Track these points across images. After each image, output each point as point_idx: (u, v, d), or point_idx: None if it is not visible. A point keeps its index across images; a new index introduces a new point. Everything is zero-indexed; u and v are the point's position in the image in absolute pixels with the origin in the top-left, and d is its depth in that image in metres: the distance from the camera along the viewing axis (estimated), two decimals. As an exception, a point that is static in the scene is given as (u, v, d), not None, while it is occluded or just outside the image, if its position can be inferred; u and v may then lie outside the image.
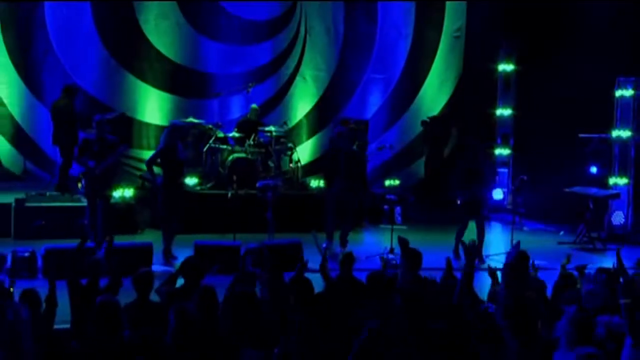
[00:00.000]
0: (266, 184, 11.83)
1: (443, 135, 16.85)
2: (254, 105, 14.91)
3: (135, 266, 9.46)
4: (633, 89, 14.05)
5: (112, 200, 12.57)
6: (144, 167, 15.52)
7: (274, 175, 13.63)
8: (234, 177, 12.14)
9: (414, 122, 17.21)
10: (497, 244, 13.06)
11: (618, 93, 14.12)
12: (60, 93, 13.84)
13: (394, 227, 13.92)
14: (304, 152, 16.63)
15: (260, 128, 14.47)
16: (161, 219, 11.97)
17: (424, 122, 16.87)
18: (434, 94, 17.39)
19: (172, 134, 11.84)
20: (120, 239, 11.57)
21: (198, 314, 6.53)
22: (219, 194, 13.04)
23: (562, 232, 14.21)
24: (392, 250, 11.72)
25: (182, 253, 10.76)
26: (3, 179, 15.01)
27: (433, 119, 16.91)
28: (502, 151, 16.55)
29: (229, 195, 11.90)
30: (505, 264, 7.96)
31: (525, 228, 15.01)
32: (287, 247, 10.87)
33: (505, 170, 16.62)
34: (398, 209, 13.20)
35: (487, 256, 11.93)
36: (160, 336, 6.35)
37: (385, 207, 13.33)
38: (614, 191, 13.78)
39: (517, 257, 8.03)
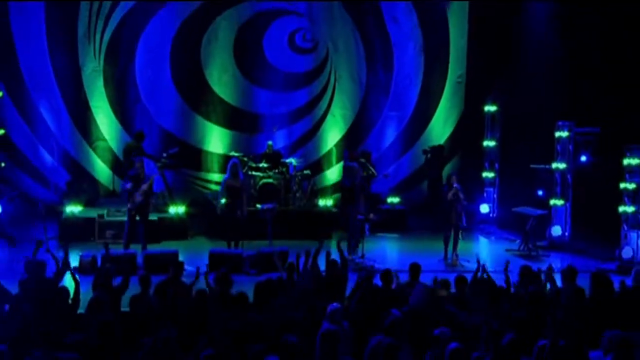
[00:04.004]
0: (266, 208, 14.25)
1: (441, 161, 18.73)
2: (269, 142, 17.32)
3: (165, 267, 11.95)
4: (568, 130, 15.78)
5: (168, 215, 15.45)
6: (209, 185, 18.48)
7: (280, 199, 15.96)
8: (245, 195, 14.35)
9: (422, 151, 19.13)
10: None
11: (557, 134, 15.86)
12: (133, 137, 16.41)
13: (391, 235, 16.43)
14: (333, 173, 18.96)
15: (283, 160, 16.85)
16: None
17: (424, 151, 18.81)
18: (440, 128, 19.29)
19: (232, 168, 14.20)
20: (172, 244, 14.53)
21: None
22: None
23: (518, 241, 15.91)
24: (362, 256, 13.92)
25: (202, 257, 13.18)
26: (107, 196, 17.53)
27: (433, 147, 18.81)
28: (488, 174, 18.49)
29: (238, 213, 14.16)
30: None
31: (492, 237, 16.93)
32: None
33: (492, 189, 18.52)
34: (367, 225, 14.83)
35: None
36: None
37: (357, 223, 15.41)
38: (544, 212, 15.57)
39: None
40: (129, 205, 13.61)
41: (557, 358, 7.35)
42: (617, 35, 15.21)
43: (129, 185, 13.40)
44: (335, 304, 8.20)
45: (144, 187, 13.46)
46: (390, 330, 7.53)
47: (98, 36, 17.79)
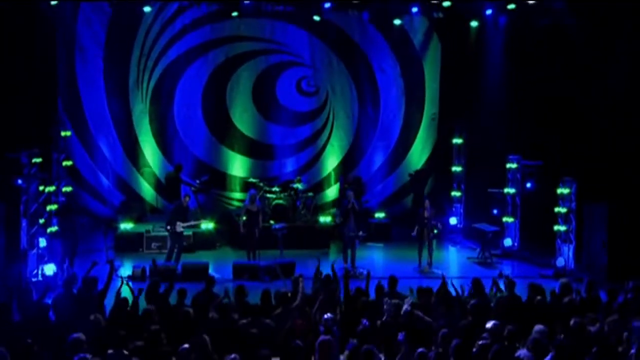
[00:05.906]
0: (278, 227, 15.73)
1: (422, 182, 19.96)
2: (298, 178, 18.90)
3: (198, 276, 12.88)
4: (517, 163, 17.29)
5: (199, 230, 16.65)
6: (232, 202, 19.69)
7: (289, 217, 17.42)
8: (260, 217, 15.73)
9: (404, 173, 20.97)
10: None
11: (508, 165, 17.63)
12: (173, 168, 18.11)
13: (377, 244, 17.53)
14: (332, 192, 20.76)
15: (291, 185, 18.17)
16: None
17: (410, 174, 20.40)
18: (418, 155, 21.16)
19: (251, 197, 15.68)
20: (203, 254, 15.68)
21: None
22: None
23: (478, 250, 17.11)
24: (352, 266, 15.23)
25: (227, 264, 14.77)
26: (151, 212, 19.05)
27: (416, 171, 20.53)
28: (456, 193, 20.04)
29: (255, 231, 15.52)
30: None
31: (458, 246, 18.09)
32: (283, 264, 14.56)
33: (459, 205, 19.91)
34: (357, 241, 15.55)
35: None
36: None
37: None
38: (497, 228, 16.99)
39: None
40: (170, 228, 15.04)
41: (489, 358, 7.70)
42: (557, 89, 16.35)
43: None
44: (328, 313, 8.89)
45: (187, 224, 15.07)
46: (360, 337, 8.03)
47: (145, 84, 19.65)
